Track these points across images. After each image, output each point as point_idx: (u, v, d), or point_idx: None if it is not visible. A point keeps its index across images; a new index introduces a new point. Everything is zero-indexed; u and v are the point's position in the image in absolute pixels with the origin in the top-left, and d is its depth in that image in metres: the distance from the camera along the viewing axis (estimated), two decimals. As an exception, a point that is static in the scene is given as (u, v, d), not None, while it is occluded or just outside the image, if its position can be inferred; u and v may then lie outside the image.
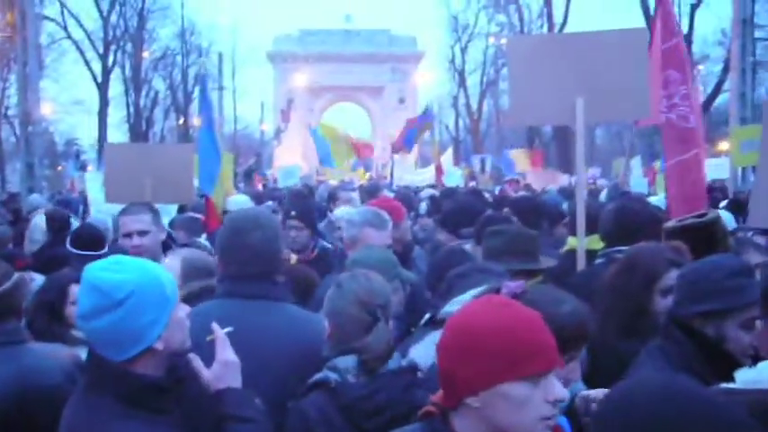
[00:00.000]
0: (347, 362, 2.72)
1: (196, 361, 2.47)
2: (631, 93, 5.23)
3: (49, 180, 23.19)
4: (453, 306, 3.15)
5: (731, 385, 1.91)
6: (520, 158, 25.88)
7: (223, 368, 2.49)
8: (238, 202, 9.30)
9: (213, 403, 2.47)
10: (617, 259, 4.43)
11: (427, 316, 3.46)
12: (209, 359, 2.56)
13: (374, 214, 4.81)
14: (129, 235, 4.72)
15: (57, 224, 7.72)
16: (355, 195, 10.81)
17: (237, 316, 2.84)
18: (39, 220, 8.11)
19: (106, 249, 5.79)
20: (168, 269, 3.50)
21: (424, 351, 3.18)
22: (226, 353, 2.52)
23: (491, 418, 1.92)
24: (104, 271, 2.34)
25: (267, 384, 2.81)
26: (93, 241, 5.86)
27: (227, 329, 2.57)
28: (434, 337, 3.16)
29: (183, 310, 2.45)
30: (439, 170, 18.76)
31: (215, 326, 2.53)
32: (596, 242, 5.17)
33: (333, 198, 10.79)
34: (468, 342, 1.94)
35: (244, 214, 3.34)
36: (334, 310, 2.86)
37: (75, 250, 5.72)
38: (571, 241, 5.84)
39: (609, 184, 17.94)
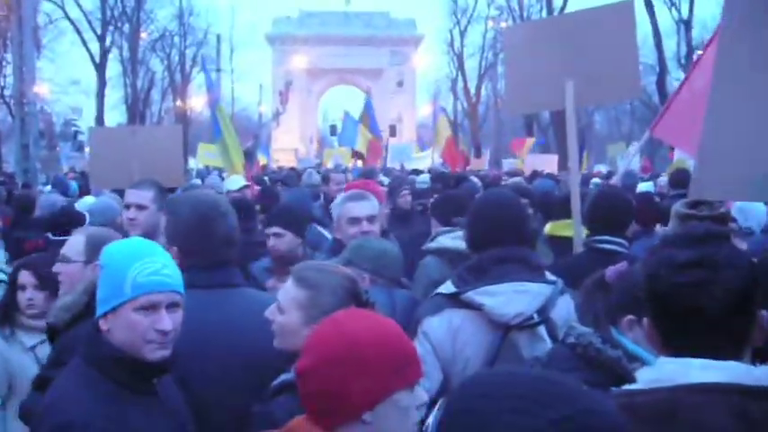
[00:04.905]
0: None
1: None
2: (621, 72, 5.11)
3: (43, 162, 23.07)
4: (482, 296, 3.10)
5: (632, 386, 1.87)
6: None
7: None
8: (233, 182, 9.35)
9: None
10: (597, 249, 4.45)
11: (451, 287, 3.24)
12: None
13: (352, 191, 4.95)
14: (128, 207, 4.80)
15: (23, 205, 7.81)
16: (350, 177, 10.93)
17: (212, 306, 2.81)
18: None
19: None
20: (72, 245, 3.51)
21: (438, 325, 3.14)
22: None
23: (382, 431, 1.93)
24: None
25: (249, 375, 2.81)
26: (67, 224, 5.73)
27: None
28: (452, 315, 3.12)
29: (152, 318, 2.40)
30: (451, 153, 18.88)
31: None
32: (564, 228, 5.20)
33: (326, 180, 10.89)
34: (360, 354, 1.92)
35: (206, 201, 3.19)
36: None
37: (52, 236, 5.66)
38: (548, 228, 5.85)
39: (606, 171, 17.90)
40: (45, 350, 4.14)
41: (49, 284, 4.10)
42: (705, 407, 1.71)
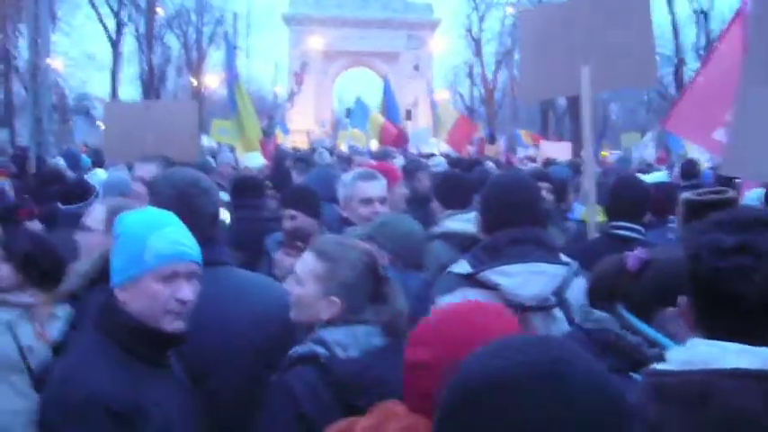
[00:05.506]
0: (336, 334, 2.52)
1: None
2: (637, 57, 5.06)
3: (56, 135, 23.11)
4: (498, 275, 3.08)
5: (663, 366, 1.82)
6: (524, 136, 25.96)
7: None
8: (252, 158, 9.36)
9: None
10: (613, 234, 4.44)
11: (466, 266, 3.21)
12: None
13: (362, 170, 4.91)
14: (135, 180, 4.81)
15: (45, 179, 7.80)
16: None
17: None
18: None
19: (89, 201, 5.65)
20: (93, 214, 3.51)
21: None
22: None
23: None
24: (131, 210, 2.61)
25: (246, 354, 2.81)
26: (79, 195, 5.71)
27: None
28: (466, 294, 3.01)
29: (172, 287, 2.38)
30: (462, 133, 18.58)
31: None
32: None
33: (349, 161, 10.90)
34: None
35: (187, 179, 3.11)
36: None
37: (62, 206, 5.64)
38: (581, 213, 5.87)
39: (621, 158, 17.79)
40: (20, 326, 4.10)
41: (15, 257, 4.08)
42: (740, 392, 1.66)
